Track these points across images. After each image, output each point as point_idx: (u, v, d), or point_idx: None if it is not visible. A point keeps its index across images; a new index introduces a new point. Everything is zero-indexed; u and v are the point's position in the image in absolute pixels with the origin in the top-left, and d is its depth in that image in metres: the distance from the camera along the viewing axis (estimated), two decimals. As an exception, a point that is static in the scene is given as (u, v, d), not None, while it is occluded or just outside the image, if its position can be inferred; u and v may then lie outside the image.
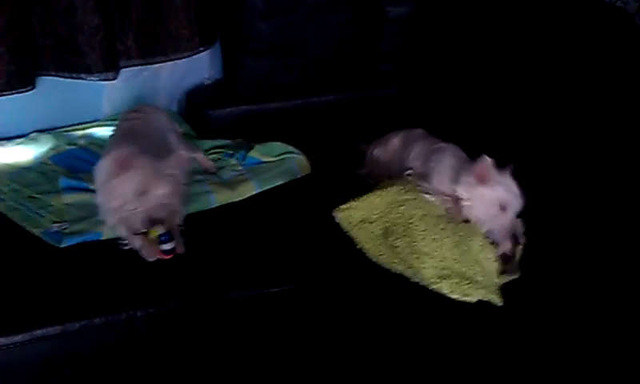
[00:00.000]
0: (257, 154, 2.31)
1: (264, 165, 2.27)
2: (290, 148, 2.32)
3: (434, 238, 1.83)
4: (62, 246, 1.85)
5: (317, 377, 1.96)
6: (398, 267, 1.86)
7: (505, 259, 1.86)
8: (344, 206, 1.96)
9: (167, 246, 1.80)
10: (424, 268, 1.82)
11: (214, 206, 2.05)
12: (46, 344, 1.66)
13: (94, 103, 2.48)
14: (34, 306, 1.69)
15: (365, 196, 1.95)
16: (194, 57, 2.42)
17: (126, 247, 1.83)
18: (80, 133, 2.41)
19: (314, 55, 2.53)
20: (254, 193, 2.12)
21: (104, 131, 2.39)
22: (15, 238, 1.90)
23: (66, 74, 2.24)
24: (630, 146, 2.22)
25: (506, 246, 1.85)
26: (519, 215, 1.86)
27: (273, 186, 2.16)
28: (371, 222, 1.93)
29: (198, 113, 2.53)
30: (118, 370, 1.79)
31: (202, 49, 2.42)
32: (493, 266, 1.83)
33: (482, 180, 1.84)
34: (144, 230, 1.79)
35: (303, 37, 2.48)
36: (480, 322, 1.88)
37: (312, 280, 1.87)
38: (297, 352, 1.93)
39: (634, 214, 2.09)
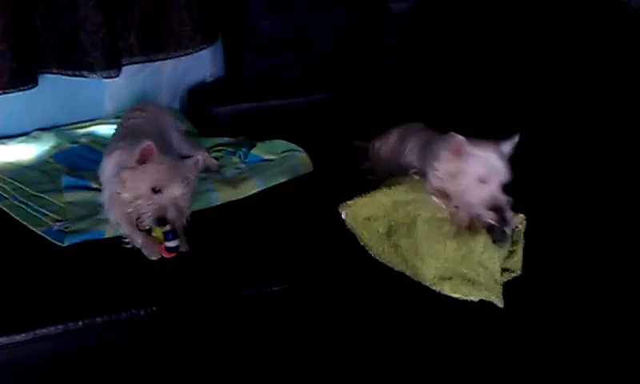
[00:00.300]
0: (259, 151, 2.31)
1: (266, 162, 2.27)
2: (292, 145, 2.32)
3: (437, 240, 1.83)
4: (65, 244, 1.85)
5: (319, 375, 1.97)
6: (400, 266, 1.86)
7: (489, 229, 1.86)
8: (350, 202, 1.95)
9: (172, 244, 1.80)
10: (426, 269, 1.82)
11: (216, 204, 2.05)
12: (49, 343, 1.67)
13: (96, 101, 2.47)
14: (37, 304, 1.69)
15: (371, 193, 1.95)
16: (196, 54, 2.42)
17: (128, 245, 1.83)
18: (82, 131, 2.41)
19: (315, 52, 2.52)
20: (256, 191, 2.12)
21: (106, 129, 2.39)
22: (17, 237, 1.90)
23: (69, 72, 2.24)
24: (631, 144, 2.21)
25: (489, 216, 1.84)
26: (507, 187, 1.86)
27: (275, 183, 2.16)
28: (376, 220, 1.93)
29: (200, 110, 2.53)
30: (121, 369, 1.80)
31: (203, 46, 2.41)
32: (495, 266, 1.83)
33: (457, 154, 1.84)
34: (152, 227, 1.79)
35: (305, 34, 2.48)
36: (481, 321, 1.88)
37: (314, 278, 1.88)
38: (299, 350, 1.94)
39: (635, 214, 2.08)
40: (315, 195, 2.11)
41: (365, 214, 1.94)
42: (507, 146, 1.88)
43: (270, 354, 1.91)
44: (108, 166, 1.93)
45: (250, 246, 1.92)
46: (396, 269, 1.87)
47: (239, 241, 1.93)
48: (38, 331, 1.65)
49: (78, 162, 2.24)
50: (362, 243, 1.92)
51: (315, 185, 2.19)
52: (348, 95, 2.62)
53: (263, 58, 2.48)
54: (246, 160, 2.28)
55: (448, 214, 1.89)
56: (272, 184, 2.16)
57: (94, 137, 2.38)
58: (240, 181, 2.15)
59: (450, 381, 2.02)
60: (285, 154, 2.30)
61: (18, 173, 2.16)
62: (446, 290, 1.81)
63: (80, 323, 1.68)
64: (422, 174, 1.97)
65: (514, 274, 1.89)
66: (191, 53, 2.40)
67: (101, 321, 1.69)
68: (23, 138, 2.35)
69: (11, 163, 2.22)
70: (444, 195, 1.89)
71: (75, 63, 2.22)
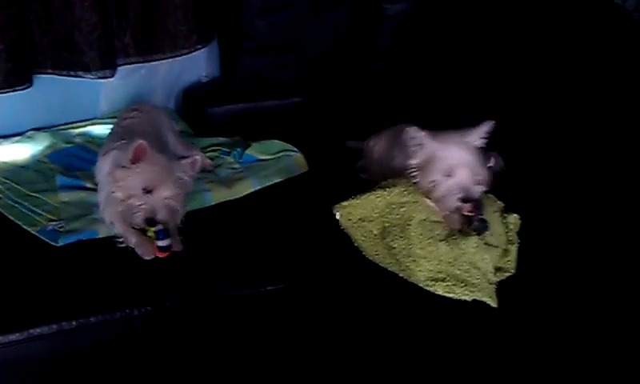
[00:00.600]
0: (254, 151, 2.31)
1: (261, 163, 2.27)
2: (287, 146, 2.32)
3: (429, 242, 1.83)
4: (59, 244, 1.85)
5: (314, 375, 1.97)
6: (394, 268, 1.87)
7: (469, 221, 1.87)
8: (345, 203, 1.96)
9: (163, 243, 1.80)
10: (419, 270, 1.82)
11: (210, 205, 2.05)
12: (43, 343, 1.66)
13: (92, 101, 2.47)
14: (31, 304, 1.69)
15: (366, 194, 1.95)
16: (192, 54, 2.42)
17: (122, 245, 1.83)
18: (77, 131, 2.41)
19: (311, 53, 2.52)
20: (251, 191, 2.13)
21: (101, 129, 2.39)
22: (12, 237, 1.90)
23: (64, 72, 2.24)
24: (626, 143, 2.22)
25: (465, 209, 1.85)
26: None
27: (270, 183, 2.16)
28: (370, 221, 1.93)
29: (196, 110, 2.53)
30: (116, 369, 1.80)
31: (199, 46, 2.41)
32: (488, 267, 1.84)
33: (418, 146, 1.87)
34: (143, 227, 1.79)
35: (301, 34, 2.48)
36: (475, 320, 1.88)
37: (309, 278, 1.88)
38: (294, 350, 1.94)
39: (629, 214, 2.09)
40: (310, 195, 2.11)
41: (359, 215, 1.94)
42: (473, 136, 1.87)
43: (264, 353, 1.91)
44: (104, 166, 1.94)
45: (244, 245, 1.92)
46: (389, 269, 1.88)
47: (234, 241, 1.93)
48: (32, 331, 1.65)
49: (72, 161, 2.24)
50: (355, 244, 1.93)
51: (310, 185, 2.19)
52: (343, 96, 2.62)
53: (259, 58, 2.48)
54: (241, 160, 2.28)
55: (441, 216, 1.89)
56: (267, 184, 2.16)
57: (88, 137, 2.38)
58: (235, 181, 2.15)
59: (444, 380, 2.02)
60: (280, 154, 2.30)
61: (13, 172, 2.16)
62: (440, 291, 1.82)
63: (74, 323, 1.67)
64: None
65: (507, 274, 1.89)
66: (187, 53, 2.40)
67: (95, 320, 1.69)
68: (18, 137, 2.35)
69: (6, 163, 2.21)
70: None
71: (70, 63, 2.22)
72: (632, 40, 2.46)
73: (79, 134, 2.39)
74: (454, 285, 1.81)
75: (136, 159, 1.78)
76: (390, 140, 2.14)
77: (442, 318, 1.91)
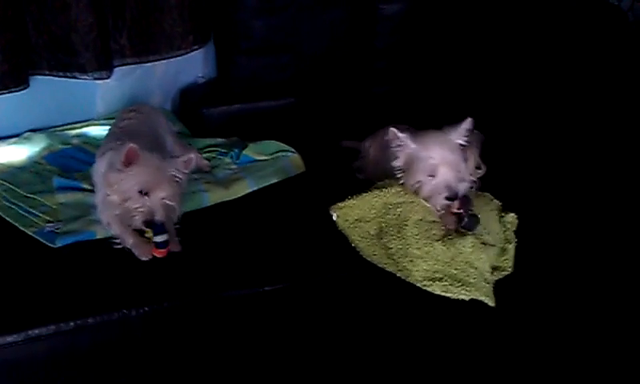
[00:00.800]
0: (251, 152, 2.31)
1: (258, 163, 2.27)
2: (284, 146, 2.32)
3: (426, 242, 1.84)
4: (56, 245, 1.85)
5: (313, 375, 1.97)
6: (391, 268, 1.87)
7: (459, 219, 1.88)
8: (341, 204, 1.96)
9: (160, 238, 1.79)
10: (416, 270, 1.82)
11: (208, 205, 2.05)
12: (41, 344, 1.66)
13: (88, 102, 2.47)
14: (28, 305, 1.69)
15: (363, 195, 1.96)
16: (188, 55, 2.42)
17: (119, 246, 1.83)
18: (74, 132, 2.41)
19: (307, 53, 2.53)
20: (248, 191, 2.13)
21: (98, 130, 2.39)
22: (9, 238, 1.90)
23: (60, 73, 2.24)
24: (623, 143, 2.23)
25: (454, 206, 1.87)
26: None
27: (267, 184, 2.16)
28: (367, 221, 1.93)
29: (192, 111, 2.53)
30: (114, 369, 1.80)
31: (195, 47, 2.41)
32: (485, 266, 1.84)
33: (398, 145, 1.89)
34: (141, 228, 1.79)
35: (297, 35, 2.48)
36: (473, 320, 1.88)
37: (307, 278, 1.88)
38: (292, 350, 1.94)
39: (626, 213, 2.10)
40: (307, 196, 2.11)
41: (356, 216, 1.95)
42: (455, 134, 1.88)
43: (263, 354, 1.91)
44: (100, 168, 1.94)
45: (242, 246, 1.92)
46: (387, 270, 1.88)
47: (231, 241, 1.93)
48: (30, 332, 1.64)
49: (69, 163, 2.23)
50: (352, 245, 1.93)
51: (307, 185, 2.19)
52: (340, 96, 2.62)
53: (255, 59, 2.49)
54: (238, 161, 2.28)
55: (437, 216, 1.90)
56: (264, 185, 2.16)
57: (85, 138, 2.38)
58: (232, 181, 2.15)
59: (442, 379, 2.02)
60: (277, 154, 2.30)
61: (10, 174, 2.15)
62: (437, 290, 1.82)
63: (72, 324, 1.67)
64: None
65: (505, 273, 1.90)
66: (183, 54, 2.40)
67: (93, 321, 1.69)
68: (15, 139, 2.35)
69: (2, 164, 2.21)
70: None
71: (67, 64, 2.22)
72: (627, 40, 2.47)
73: (76, 136, 2.39)
74: (450, 284, 1.81)
75: (128, 162, 1.78)
76: (385, 140, 2.14)
77: (440, 318, 1.91)
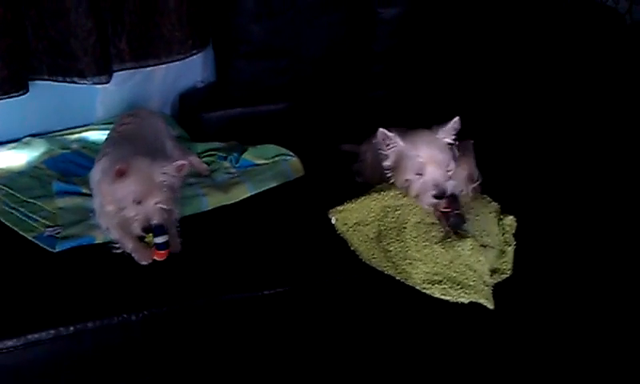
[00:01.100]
0: (250, 156, 2.31)
1: (257, 167, 2.28)
2: (283, 150, 2.32)
3: (425, 245, 1.84)
4: (56, 250, 1.85)
5: (312, 378, 1.97)
6: (390, 271, 1.87)
7: (445, 217, 1.89)
8: (340, 208, 1.97)
9: (160, 239, 1.79)
10: (416, 273, 1.83)
11: (207, 209, 2.05)
12: (41, 348, 1.66)
13: (88, 107, 2.48)
14: (28, 310, 1.69)
15: (361, 198, 1.96)
16: (187, 60, 2.42)
17: (119, 250, 1.84)
18: (73, 137, 2.41)
19: (306, 57, 2.53)
20: (247, 195, 2.13)
21: (97, 135, 2.40)
22: (9, 243, 1.90)
23: (59, 78, 2.24)
24: (621, 145, 2.23)
25: (441, 205, 1.88)
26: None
27: (266, 188, 2.17)
28: (366, 225, 1.94)
29: (192, 115, 2.53)
30: (114, 374, 1.80)
31: (194, 52, 2.42)
32: (484, 269, 1.84)
33: (386, 146, 1.90)
34: (142, 235, 1.80)
35: (295, 39, 2.49)
36: (472, 323, 1.89)
37: (306, 282, 1.88)
38: (291, 353, 1.94)
39: (625, 214, 2.10)
40: (306, 199, 2.12)
41: (355, 220, 1.95)
42: (443, 133, 1.89)
43: (262, 357, 1.91)
44: (96, 174, 1.94)
45: (241, 250, 1.92)
46: (386, 273, 1.88)
47: (230, 245, 1.93)
48: (29, 336, 1.65)
49: (69, 167, 2.24)
50: (352, 248, 1.93)
51: (306, 189, 2.19)
52: (338, 100, 2.62)
53: (254, 63, 2.49)
54: (237, 165, 2.28)
55: (436, 218, 1.90)
56: (263, 188, 2.16)
57: (85, 143, 2.39)
58: (231, 185, 2.15)
59: (442, 382, 2.02)
60: (276, 158, 2.30)
61: (9, 179, 2.16)
62: (437, 293, 1.82)
63: (72, 328, 1.68)
64: None
65: (504, 276, 1.90)
66: (182, 58, 2.40)
67: (93, 326, 1.70)
68: (14, 144, 2.35)
69: (2, 169, 2.22)
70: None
71: (66, 69, 2.22)
72: (624, 43, 2.47)
73: (75, 140, 2.39)
74: (450, 287, 1.82)
75: (120, 175, 1.78)
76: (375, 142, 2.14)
77: (439, 321, 1.92)
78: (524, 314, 1.98)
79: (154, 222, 1.78)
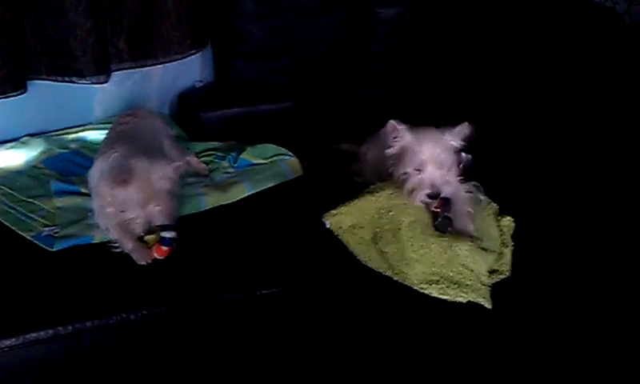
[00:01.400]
0: (248, 156, 2.31)
1: (256, 167, 2.28)
2: (282, 150, 2.33)
3: (422, 245, 1.84)
4: (54, 249, 1.85)
5: (309, 377, 1.97)
6: (388, 272, 1.87)
7: (433, 216, 1.90)
8: (334, 212, 1.97)
9: (168, 234, 1.80)
10: (414, 273, 1.83)
11: (205, 209, 2.05)
12: (39, 348, 1.66)
13: (86, 106, 2.48)
14: (26, 309, 1.69)
15: (355, 201, 1.96)
16: (186, 59, 2.43)
17: (118, 250, 1.83)
18: (72, 136, 2.42)
19: (305, 57, 2.53)
20: (245, 195, 2.13)
21: (96, 134, 2.40)
22: (7, 242, 1.90)
23: (58, 78, 2.25)
24: (619, 146, 2.23)
25: (432, 205, 1.89)
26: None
27: (264, 187, 2.17)
28: (361, 228, 1.94)
29: (190, 115, 2.54)
30: (112, 373, 1.80)
31: (193, 51, 2.42)
32: (481, 269, 1.84)
33: (394, 138, 1.92)
34: (142, 234, 1.81)
35: (294, 39, 2.49)
36: (470, 322, 1.88)
37: (304, 281, 1.88)
38: (289, 353, 1.94)
39: (622, 215, 2.10)
40: (305, 199, 2.12)
41: (349, 222, 1.95)
42: (451, 135, 1.89)
43: (260, 356, 1.91)
44: (94, 174, 1.94)
45: (239, 249, 1.92)
46: (384, 274, 1.88)
47: (229, 244, 1.93)
48: (27, 336, 1.64)
49: (67, 167, 2.24)
50: (350, 250, 1.93)
51: (305, 189, 2.19)
52: (337, 100, 2.62)
53: (253, 63, 2.49)
54: (236, 164, 2.28)
55: (429, 215, 1.90)
56: (261, 188, 2.16)
57: (83, 142, 2.39)
58: (230, 185, 2.15)
59: (440, 381, 2.02)
60: (274, 158, 2.30)
61: (8, 178, 2.16)
62: (434, 293, 1.82)
63: (70, 328, 1.67)
64: None
65: (502, 276, 1.90)
66: (180, 58, 2.41)
67: (91, 325, 1.69)
68: (12, 143, 2.35)
69: (0, 169, 2.22)
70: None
71: (64, 69, 2.23)
72: (623, 43, 2.47)
73: (74, 140, 2.40)
74: (447, 287, 1.82)
75: (124, 184, 1.79)
76: (383, 141, 2.14)
77: (438, 320, 1.91)
78: (522, 314, 1.98)
79: (156, 223, 1.79)
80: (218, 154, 2.33)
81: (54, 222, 1.96)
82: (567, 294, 2.01)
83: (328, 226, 1.96)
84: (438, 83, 2.63)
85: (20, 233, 1.92)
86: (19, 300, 1.72)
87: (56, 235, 1.90)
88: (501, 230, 1.98)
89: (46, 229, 1.93)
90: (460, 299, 1.81)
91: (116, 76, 2.34)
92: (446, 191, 1.88)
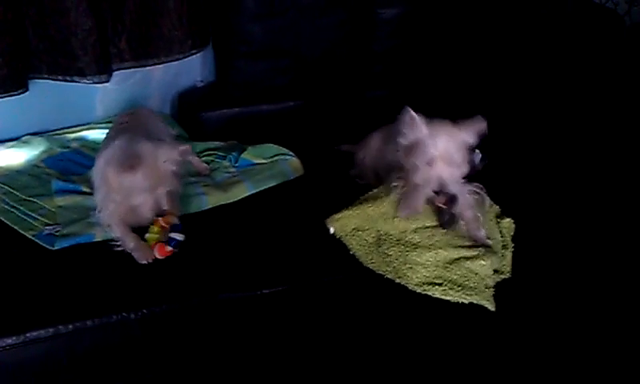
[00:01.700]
0: (249, 155, 2.31)
1: (257, 167, 2.28)
2: (283, 150, 2.32)
3: (429, 249, 1.85)
4: (55, 248, 1.85)
5: (310, 377, 1.97)
6: (390, 274, 1.87)
7: (438, 212, 1.90)
8: (338, 216, 1.97)
9: (177, 236, 1.82)
10: (416, 277, 1.83)
11: (206, 208, 2.05)
12: (39, 346, 1.66)
13: (87, 106, 2.48)
14: (27, 308, 1.69)
15: (358, 205, 1.97)
16: (187, 59, 2.43)
17: (119, 248, 1.84)
18: (73, 135, 2.42)
19: (306, 57, 2.53)
20: (246, 194, 2.13)
21: (97, 134, 2.40)
22: (8, 241, 1.90)
23: (59, 77, 2.25)
24: (620, 147, 2.23)
25: (438, 200, 1.88)
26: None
27: (265, 187, 2.17)
28: (364, 230, 1.94)
29: (191, 115, 2.54)
30: (113, 372, 1.80)
31: (194, 51, 2.42)
32: (488, 272, 1.84)
33: (411, 128, 1.86)
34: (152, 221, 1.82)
35: (295, 39, 2.49)
36: (472, 323, 1.89)
37: (304, 281, 1.88)
38: (290, 353, 1.94)
39: (623, 216, 2.10)
40: (305, 199, 2.12)
41: (353, 226, 1.95)
42: (466, 132, 1.85)
43: (260, 356, 1.91)
44: (100, 167, 1.94)
45: (240, 249, 1.92)
46: (386, 276, 1.88)
47: (230, 244, 1.93)
48: (28, 334, 1.64)
49: (68, 166, 2.24)
50: (351, 252, 1.93)
51: (306, 189, 2.19)
52: (338, 100, 2.63)
53: (254, 63, 2.49)
54: (237, 164, 2.28)
55: (437, 221, 1.90)
56: (262, 188, 2.16)
57: (84, 141, 2.39)
58: (230, 185, 2.15)
59: (440, 382, 2.02)
60: (275, 158, 2.30)
61: (9, 177, 2.16)
62: (437, 294, 1.82)
63: (71, 326, 1.67)
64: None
65: (503, 276, 1.90)
66: (182, 58, 2.41)
67: (92, 324, 1.69)
68: (13, 142, 2.35)
69: (1, 168, 2.22)
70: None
71: (66, 68, 2.23)
72: (623, 44, 2.48)
73: (75, 139, 2.40)
74: (450, 288, 1.82)
75: (132, 170, 1.78)
76: (380, 141, 2.14)
77: (439, 321, 1.91)
78: (524, 315, 1.98)
79: (165, 207, 1.80)
80: (219, 153, 2.33)
81: (54, 220, 1.96)
82: (567, 295, 2.01)
83: (332, 231, 1.96)
84: (438, 84, 2.63)
85: (21, 232, 1.92)
86: (20, 299, 1.72)
87: (57, 234, 1.90)
88: (501, 231, 1.99)
89: (47, 228, 1.93)
90: (462, 300, 1.81)
91: (117, 75, 2.34)
92: (452, 189, 1.86)
